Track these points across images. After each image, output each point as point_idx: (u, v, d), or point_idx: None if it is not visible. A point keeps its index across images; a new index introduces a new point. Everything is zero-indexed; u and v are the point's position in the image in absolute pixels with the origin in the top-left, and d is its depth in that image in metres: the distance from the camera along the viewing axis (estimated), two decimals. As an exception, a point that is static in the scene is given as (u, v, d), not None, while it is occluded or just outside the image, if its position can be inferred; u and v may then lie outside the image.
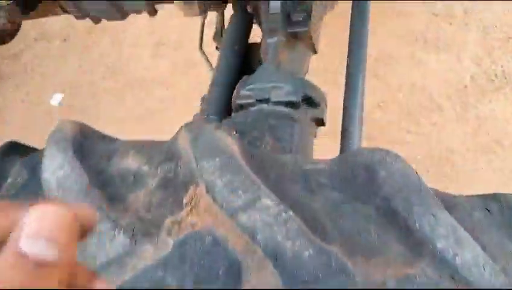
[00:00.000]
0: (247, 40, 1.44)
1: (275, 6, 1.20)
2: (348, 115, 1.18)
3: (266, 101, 1.16)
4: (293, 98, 1.16)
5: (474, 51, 2.27)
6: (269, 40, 1.24)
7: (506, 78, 2.17)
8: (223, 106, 1.27)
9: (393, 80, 2.31)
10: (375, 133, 2.11)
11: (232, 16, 1.47)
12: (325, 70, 2.19)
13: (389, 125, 2.23)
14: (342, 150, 1.15)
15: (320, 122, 1.27)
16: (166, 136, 0.68)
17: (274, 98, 1.16)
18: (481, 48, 2.26)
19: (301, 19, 1.24)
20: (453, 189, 0.65)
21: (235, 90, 1.22)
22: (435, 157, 2.11)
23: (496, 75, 2.19)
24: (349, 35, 1.24)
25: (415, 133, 2.18)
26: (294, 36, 1.28)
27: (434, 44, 2.33)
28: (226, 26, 1.49)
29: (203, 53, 1.60)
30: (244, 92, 1.20)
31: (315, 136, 1.29)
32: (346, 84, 1.22)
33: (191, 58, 2.45)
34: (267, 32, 1.25)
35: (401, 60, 2.36)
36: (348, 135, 1.16)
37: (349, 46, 1.23)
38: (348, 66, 1.21)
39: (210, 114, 1.24)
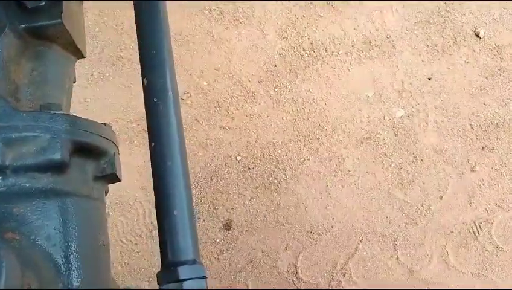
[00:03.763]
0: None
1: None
2: None
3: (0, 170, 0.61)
4: (55, 156, 0.62)
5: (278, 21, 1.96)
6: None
7: (314, 51, 1.92)
8: None
9: (193, 65, 1.87)
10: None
11: None
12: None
13: (197, 123, 1.80)
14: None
15: (112, 178, 0.75)
16: None
17: (15, 162, 0.60)
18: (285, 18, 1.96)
19: (43, 3, 0.67)
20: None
21: None
22: (257, 155, 1.76)
23: (303, 49, 1.92)
24: None
25: (230, 128, 1.79)
26: (38, 35, 0.71)
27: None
28: None
29: None
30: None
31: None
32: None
33: None
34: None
35: (196, 38, 1.92)
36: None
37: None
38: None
39: None
